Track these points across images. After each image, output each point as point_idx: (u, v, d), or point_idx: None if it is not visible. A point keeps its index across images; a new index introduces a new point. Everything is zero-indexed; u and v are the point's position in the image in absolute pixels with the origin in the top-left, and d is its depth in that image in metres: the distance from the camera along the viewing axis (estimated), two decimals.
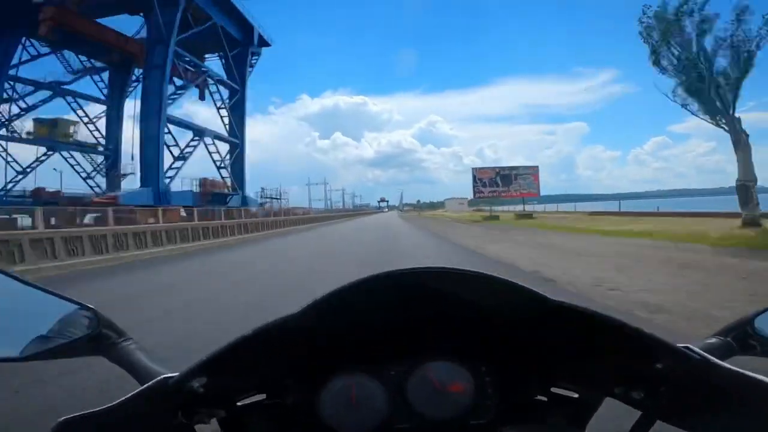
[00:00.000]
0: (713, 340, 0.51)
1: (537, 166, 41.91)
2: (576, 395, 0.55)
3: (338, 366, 0.54)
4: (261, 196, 35.79)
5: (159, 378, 0.43)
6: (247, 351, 0.45)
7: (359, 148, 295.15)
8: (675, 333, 3.72)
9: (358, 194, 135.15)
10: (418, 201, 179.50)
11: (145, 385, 0.43)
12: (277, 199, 38.44)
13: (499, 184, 39.90)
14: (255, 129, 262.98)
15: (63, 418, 0.39)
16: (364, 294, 0.46)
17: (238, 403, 0.54)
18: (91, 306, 0.52)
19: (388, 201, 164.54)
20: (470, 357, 0.55)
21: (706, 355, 0.42)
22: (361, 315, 0.50)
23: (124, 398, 0.41)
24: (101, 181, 29.25)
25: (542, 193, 42.33)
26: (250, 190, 33.10)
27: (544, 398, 0.57)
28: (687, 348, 0.43)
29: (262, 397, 0.55)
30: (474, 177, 40.47)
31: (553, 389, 0.57)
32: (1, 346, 0.49)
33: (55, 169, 27.16)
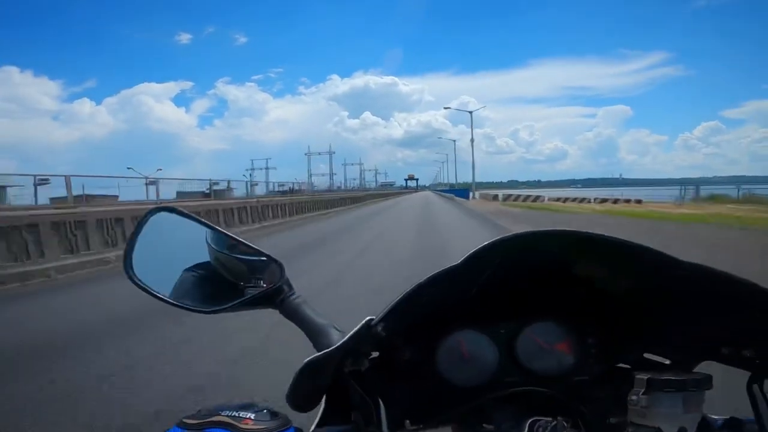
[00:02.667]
0: None
1: None
2: (668, 362, 0.57)
3: (453, 323, 0.58)
4: None
5: (364, 321, 0.48)
6: (419, 298, 0.48)
7: (388, 127, 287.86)
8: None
9: (382, 171, 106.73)
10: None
11: (357, 327, 0.48)
12: None
13: None
14: (283, 109, 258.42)
15: (308, 358, 0.46)
16: (515, 249, 0.49)
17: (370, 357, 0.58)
18: (279, 260, 0.56)
19: (417, 179, 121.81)
20: (576, 318, 0.59)
21: None
22: (499, 270, 0.52)
23: (345, 338, 0.47)
24: None
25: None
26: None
27: (627, 366, 0.57)
28: None
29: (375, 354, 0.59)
30: None
31: (646, 354, 0.58)
32: (192, 300, 0.55)
33: None
